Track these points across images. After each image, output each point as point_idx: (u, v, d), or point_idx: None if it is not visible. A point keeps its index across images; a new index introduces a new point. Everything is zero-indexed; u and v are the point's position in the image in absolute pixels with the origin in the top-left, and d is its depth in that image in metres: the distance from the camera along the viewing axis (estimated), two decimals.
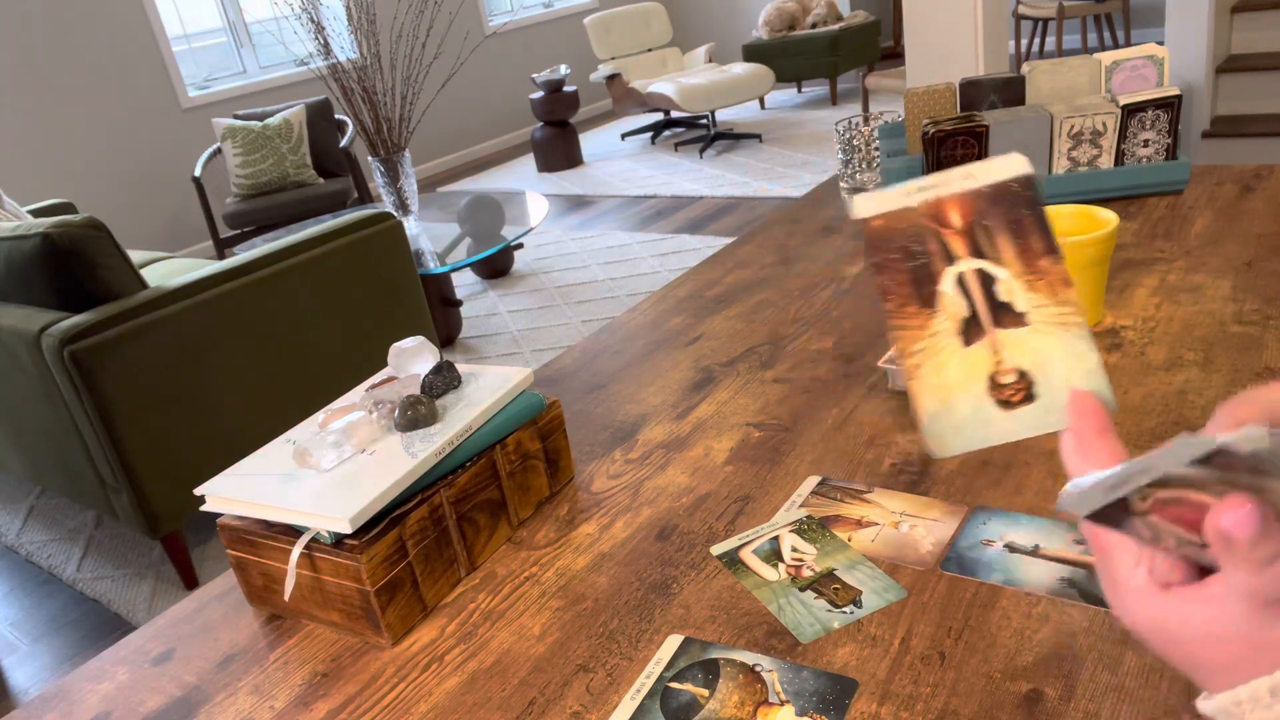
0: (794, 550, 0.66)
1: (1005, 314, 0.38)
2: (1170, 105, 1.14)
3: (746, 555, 0.67)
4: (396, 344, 0.79)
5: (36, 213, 3.42)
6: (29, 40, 4.63)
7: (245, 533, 0.67)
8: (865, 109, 5.93)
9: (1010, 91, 1.25)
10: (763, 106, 6.84)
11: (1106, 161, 1.18)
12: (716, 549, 0.68)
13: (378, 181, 3.37)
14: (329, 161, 4.77)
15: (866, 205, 0.40)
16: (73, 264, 1.99)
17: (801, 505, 0.71)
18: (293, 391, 2.32)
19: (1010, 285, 0.38)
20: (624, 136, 6.55)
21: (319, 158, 4.76)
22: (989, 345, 0.38)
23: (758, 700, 0.54)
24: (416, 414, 0.71)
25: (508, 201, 3.65)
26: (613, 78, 5.96)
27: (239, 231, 4.75)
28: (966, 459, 0.73)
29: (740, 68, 5.79)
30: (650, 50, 6.32)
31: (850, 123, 1.39)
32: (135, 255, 3.55)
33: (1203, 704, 0.33)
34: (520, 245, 4.43)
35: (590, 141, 6.72)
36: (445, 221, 3.63)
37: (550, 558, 0.71)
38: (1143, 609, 0.33)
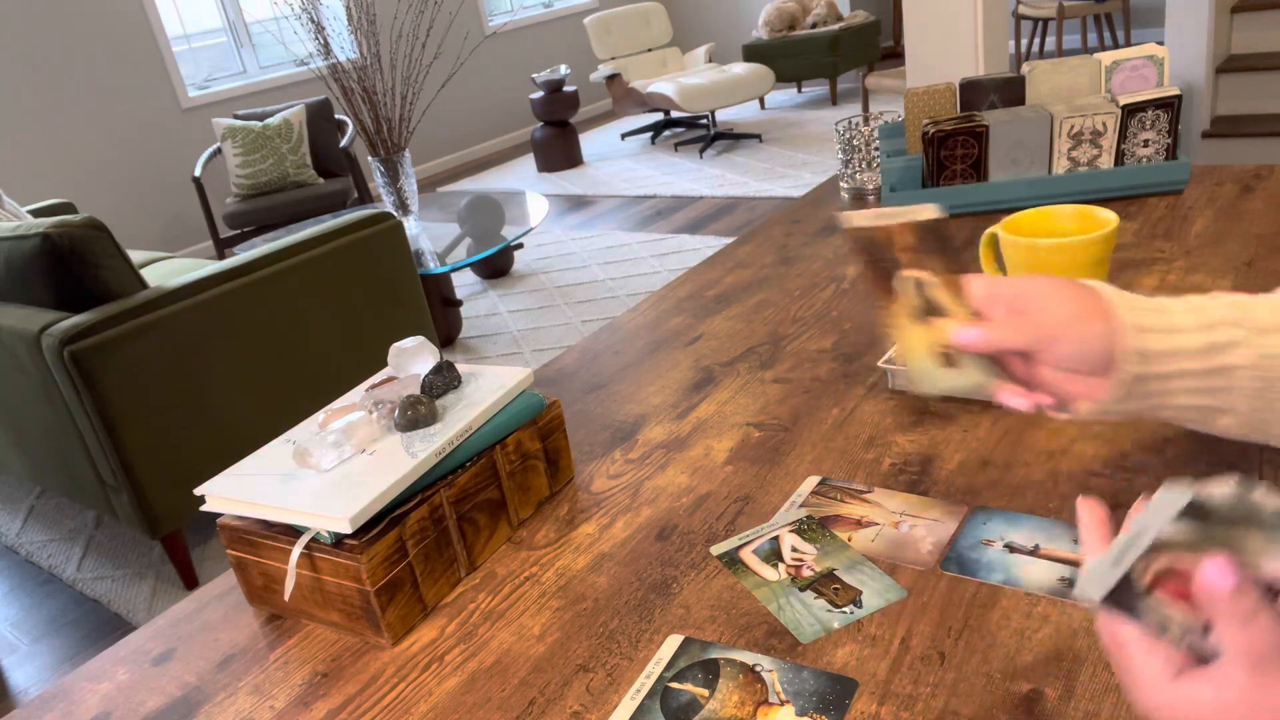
0: (794, 550, 0.66)
1: (934, 308, 0.55)
2: (1170, 105, 1.14)
3: (746, 555, 0.67)
4: (396, 344, 0.79)
5: (36, 213, 3.42)
6: (29, 40, 4.64)
7: (245, 533, 0.67)
8: (865, 109, 5.93)
9: (1010, 91, 1.25)
10: (763, 106, 6.84)
11: (1106, 161, 1.18)
12: (716, 549, 0.68)
13: (378, 181, 3.37)
14: (329, 161, 4.77)
15: (850, 220, 0.59)
16: (73, 264, 1.99)
17: (801, 505, 0.71)
18: (293, 391, 2.32)
19: (936, 288, 0.55)
20: (624, 136, 6.55)
21: (319, 158, 4.76)
22: (927, 326, 0.55)
23: (758, 700, 0.54)
24: (416, 414, 0.71)
25: (508, 201, 3.65)
26: (613, 78, 5.96)
27: (239, 231, 4.75)
28: (966, 459, 0.73)
29: (740, 68, 5.79)
30: (650, 50, 6.32)
31: (850, 123, 1.39)
32: (135, 255, 3.55)
33: None
34: (520, 245, 4.43)
35: (590, 141, 6.72)
36: (445, 221, 3.63)
37: (550, 558, 0.71)
38: (1158, 696, 0.37)
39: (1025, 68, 1.25)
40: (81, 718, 0.63)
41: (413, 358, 0.78)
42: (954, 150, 1.21)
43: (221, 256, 4.64)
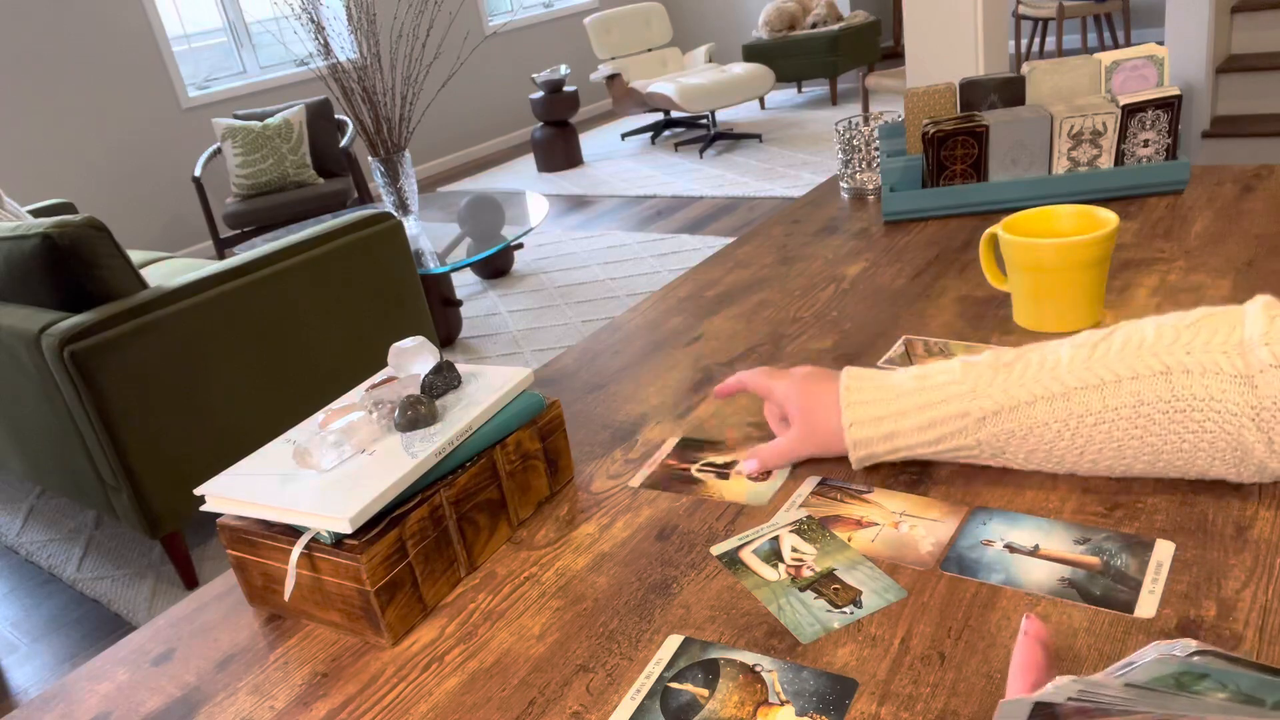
0: (794, 550, 0.66)
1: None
2: (1170, 105, 1.14)
3: (746, 555, 0.67)
4: (396, 344, 0.79)
5: (36, 213, 3.42)
6: (29, 40, 4.64)
7: (245, 533, 0.67)
8: (865, 109, 5.93)
9: (1010, 91, 1.25)
10: (763, 106, 6.84)
11: (1106, 161, 1.18)
12: (716, 549, 0.68)
13: (378, 181, 3.37)
14: (329, 161, 4.77)
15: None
16: (73, 264, 1.99)
17: (801, 505, 0.71)
18: (293, 391, 2.32)
19: None
20: (624, 136, 6.55)
21: (319, 158, 4.76)
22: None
23: (758, 700, 0.54)
24: (416, 414, 0.71)
25: (508, 201, 3.65)
26: (613, 78, 5.96)
27: (239, 231, 4.75)
28: None
29: (740, 68, 5.79)
30: (650, 50, 6.32)
31: (850, 123, 1.39)
32: (135, 255, 3.55)
33: None
34: (520, 245, 4.43)
35: (590, 141, 6.72)
36: (445, 221, 3.64)
37: (550, 558, 0.71)
38: None
39: (1025, 68, 1.25)
40: (81, 718, 0.63)
41: (413, 358, 0.78)
42: (954, 150, 1.21)
43: (221, 257, 4.64)
